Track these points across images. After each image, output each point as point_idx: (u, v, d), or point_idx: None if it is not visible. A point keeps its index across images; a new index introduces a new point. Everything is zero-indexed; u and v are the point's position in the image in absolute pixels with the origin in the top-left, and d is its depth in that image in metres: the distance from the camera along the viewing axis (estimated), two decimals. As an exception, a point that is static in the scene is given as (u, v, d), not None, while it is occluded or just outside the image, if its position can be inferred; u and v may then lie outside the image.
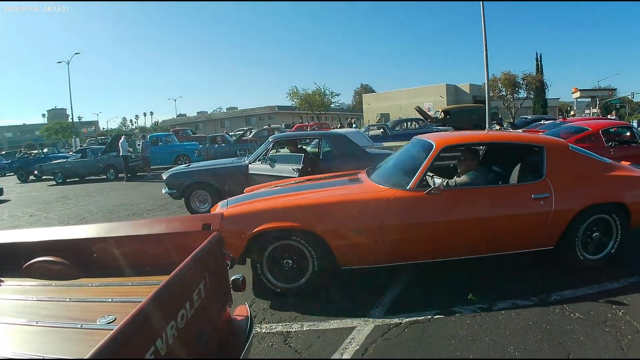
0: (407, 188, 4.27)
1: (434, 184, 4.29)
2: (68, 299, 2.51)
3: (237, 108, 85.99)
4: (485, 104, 24.07)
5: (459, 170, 5.24)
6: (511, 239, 4.46)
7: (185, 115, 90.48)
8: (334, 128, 32.14)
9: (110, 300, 2.41)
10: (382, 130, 19.23)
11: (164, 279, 2.30)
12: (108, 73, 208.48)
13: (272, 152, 8.44)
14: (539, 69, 45.12)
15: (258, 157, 8.43)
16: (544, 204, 4.31)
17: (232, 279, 2.59)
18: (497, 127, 25.31)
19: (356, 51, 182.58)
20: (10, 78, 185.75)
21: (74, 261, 2.96)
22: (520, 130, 15.54)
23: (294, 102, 53.35)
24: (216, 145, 23.52)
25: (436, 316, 3.73)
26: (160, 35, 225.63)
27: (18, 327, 2.24)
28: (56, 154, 31.28)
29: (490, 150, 5.84)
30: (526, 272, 4.59)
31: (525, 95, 43.13)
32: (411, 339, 3.40)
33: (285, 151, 9.34)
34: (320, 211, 4.24)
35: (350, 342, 3.41)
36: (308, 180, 5.93)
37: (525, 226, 4.39)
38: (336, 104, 56.02)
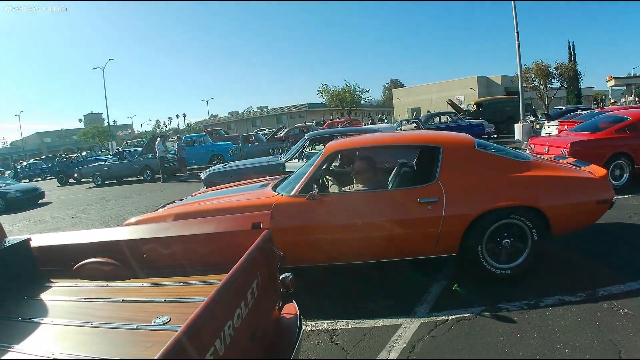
0: (292, 194, 4.33)
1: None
2: (121, 300, 2.55)
3: (267, 107, 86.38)
4: (518, 95, 23.43)
5: (354, 182, 4.92)
6: (402, 245, 4.24)
7: (217, 115, 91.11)
8: (365, 124, 31.99)
9: (163, 300, 2.44)
10: (415, 124, 18.92)
11: (215, 278, 2.33)
12: (141, 77, 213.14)
13: (308, 150, 8.45)
14: (572, 58, 43.75)
15: (294, 155, 8.45)
16: (433, 208, 4.04)
17: (281, 277, 2.59)
18: (532, 118, 24.75)
19: (384, 46, 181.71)
20: (49, 85, 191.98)
21: (124, 262, 3.00)
22: (556, 122, 15.01)
23: (324, 100, 53.34)
24: (249, 145, 23.68)
25: (482, 313, 3.67)
26: (189, 38, 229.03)
27: (74, 329, 2.29)
28: (94, 157, 32.05)
29: (393, 153, 5.66)
30: (571, 266, 4.48)
31: (558, 85, 41.85)
32: (459, 336, 3.36)
33: (320, 148, 9.33)
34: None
35: (397, 339, 3.40)
36: (237, 185, 6.02)
37: (414, 232, 4.13)
38: (366, 100, 55.73)
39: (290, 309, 2.83)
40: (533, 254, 4.19)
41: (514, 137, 19.92)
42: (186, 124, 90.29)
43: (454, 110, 24.51)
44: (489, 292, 4.04)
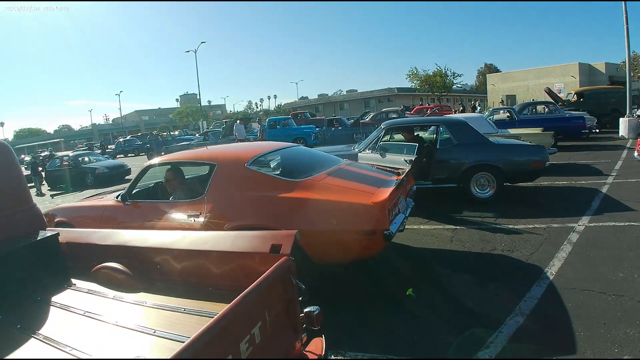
0: (118, 199, 5.02)
1: None
2: (115, 322, 2.27)
3: (357, 90, 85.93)
4: (624, 86, 21.05)
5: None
6: None
7: (306, 97, 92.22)
8: (455, 111, 30.59)
9: (153, 332, 2.08)
10: (508, 114, 17.45)
11: (217, 309, 1.92)
12: (234, 59, 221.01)
13: (384, 140, 7.88)
14: (689, 42, 39.28)
15: (369, 145, 7.92)
16: (194, 222, 4.32)
17: (305, 310, 2.15)
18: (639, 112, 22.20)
19: (479, 28, 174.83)
20: (149, 68, 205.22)
21: (138, 270, 2.79)
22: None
23: (413, 84, 51.92)
24: (333, 129, 23.43)
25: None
26: (283, 21, 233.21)
27: (53, 352, 2.07)
28: (183, 136, 33.33)
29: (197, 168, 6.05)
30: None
31: (673, 75, 37.62)
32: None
33: (399, 138, 8.70)
34: (74, 211, 5.59)
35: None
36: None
37: None
38: (458, 85, 53.48)
39: (317, 346, 2.35)
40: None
41: (618, 132, 17.81)
42: (276, 105, 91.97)
43: (551, 100, 22.56)
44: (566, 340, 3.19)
